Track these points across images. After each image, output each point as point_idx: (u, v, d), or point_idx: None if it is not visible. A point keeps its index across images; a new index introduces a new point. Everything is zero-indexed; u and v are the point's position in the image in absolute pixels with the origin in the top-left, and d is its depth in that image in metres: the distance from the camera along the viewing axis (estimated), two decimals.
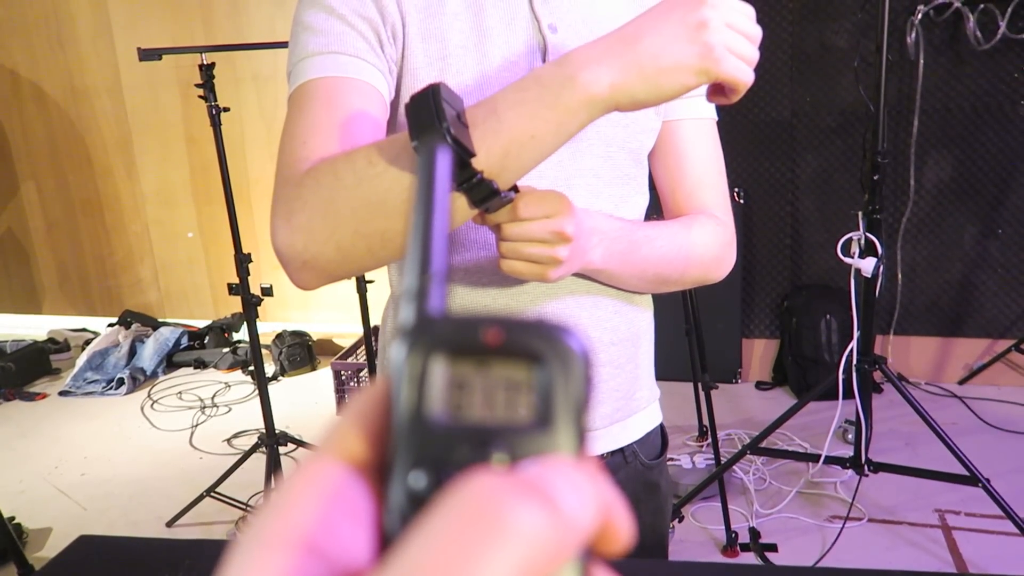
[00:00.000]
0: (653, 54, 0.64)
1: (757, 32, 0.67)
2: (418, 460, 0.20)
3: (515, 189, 0.71)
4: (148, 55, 2.19)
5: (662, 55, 0.64)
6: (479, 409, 0.21)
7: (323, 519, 0.19)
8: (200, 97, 2.24)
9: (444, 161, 0.22)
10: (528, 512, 0.17)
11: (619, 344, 0.93)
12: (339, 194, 0.67)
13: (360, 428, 0.21)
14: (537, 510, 0.18)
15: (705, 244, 0.89)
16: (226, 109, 2.27)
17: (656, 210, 0.96)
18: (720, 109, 0.94)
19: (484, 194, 0.66)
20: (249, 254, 2.38)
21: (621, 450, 0.97)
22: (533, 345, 0.20)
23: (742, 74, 0.65)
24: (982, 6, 2.83)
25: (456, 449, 0.20)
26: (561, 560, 0.18)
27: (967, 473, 2.04)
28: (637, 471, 0.99)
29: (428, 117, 0.57)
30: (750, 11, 0.67)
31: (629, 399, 0.96)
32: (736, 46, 0.65)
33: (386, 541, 0.20)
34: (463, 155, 0.62)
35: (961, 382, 3.21)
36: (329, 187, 0.68)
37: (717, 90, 0.69)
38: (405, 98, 0.79)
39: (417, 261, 0.21)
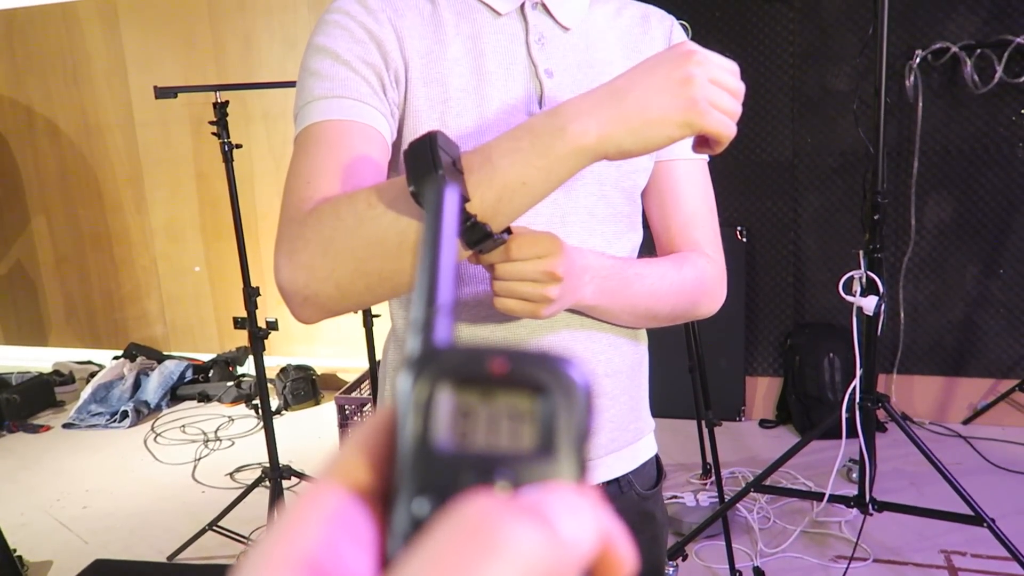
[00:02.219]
0: (640, 107, 0.67)
1: (740, 88, 0.70)
2: (422, 487, 0.21)
3: (508, 230, 0.74)
4: (164, 93, 2.24)
5: (648, 108, 0.67)
6: (483, 437, 0.21)
7: (327, 542, 0.20)
8: (214, 134, 2.29)
9: (452, 199, 0.23)
10: (525, 532, 0.18)
11: (613, 376, 0.95)
12: (339, 234, 0.70)
13: (364, 455, 0.22)
14: (534, 531, 0.18)
15: (696, 280, 0.92)
16: (239, 146, 2.32)
17: (650, 247, 0.99)
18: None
19: (478, 236, 0.69)
20: (257, 288, 2.40)
21: (616, 480, 0.98)
22: (537, 376, 0.21)
23: (724, 127, 0.69)
24: (979, 51, 2.89)
25: (460, 476, 0.21)
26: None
27: (972, 513, 2.03)
28: (633, 501, 1.00)
29: (425, 164, 0.61)
30: (734, 68, 0.71)
31: (624, 430, 0.97)
32: (719, 101, 0.68)
33: (388, 567, 0.20)
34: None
35: (965, 422, 3.20)
36: (330, 227, 0.71)
37: (701, 142, 0.72)
38: (407, 139, 0.83)
39: (424, 294, 0.22)
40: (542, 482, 0.21)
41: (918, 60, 2.95)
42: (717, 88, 0.68)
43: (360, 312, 2.93)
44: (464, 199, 0.65)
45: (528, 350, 0.21)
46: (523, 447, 0.21)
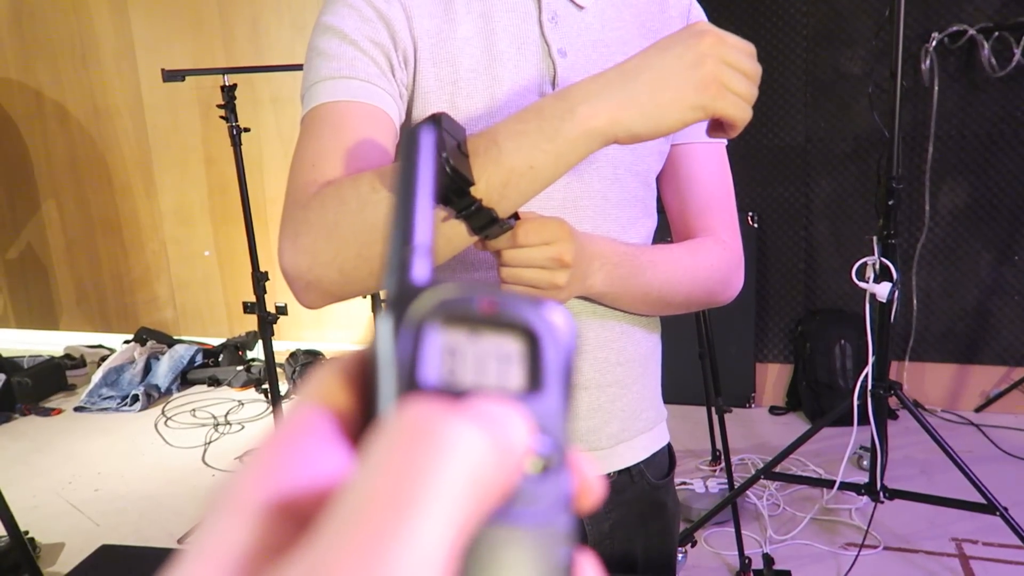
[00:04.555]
0: (652, 90, 0.65)
1: (756, 70, 0.68)
2: None
3: (515, 215, 0.72)
4: (172, 76, 2.23)
5: (660, 91, 0.65)
6: (471, 376, 0.21)
7: (303, 479, 0.19)
8: (221, 118, 2.28)
9: (428, 141, 0.23)
10: (471, 434, 0.18)
11: (626, 364, 0.93)
12: (343, 218, 0.69)
13: (346, 383, 0.21)
14: (480, 433, 0.18)
15: (711, 268, 0.90)
16: (247, 129, 2.31)
17: (665, 232, 0.97)
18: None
19: (483, 222, 0.67)
20: (266, 272, 2.40)
21: (628, 470, 0.97)
22: (525, 316, 0.21)
23: (739, 111, 0.67)
24: (997, 33, 2.84)
25: None
26: (505, 486, 0.18)
27: (984, 501, 2.01)
28: (644, 491, 0.99)
29: None
30: (750, 49, 0.68)
31: (636, 419, 0.96)
32: (734, 83, 0.66)
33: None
34: (462, 183, 0.63)
35: (977, 409, 3.17)
36: (334, 210, 0.69)
37: (716, 125, 0.70)
38: (415, 121, 0.81)
39: (400, 234, 0.21)
40: (532, 419, 0.20)
41: (934, 43, 2.91)
42: (732, 70, 0.66)
43: (368, 297, 2.93)
44: (469, 183, 0.64)
45: (513, 292, 0.21)
46: (511, 385, 0.21)
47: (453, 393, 0.20)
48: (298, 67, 2.36)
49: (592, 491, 0.21)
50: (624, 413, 0.95)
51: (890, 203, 2.06)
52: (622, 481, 0.97)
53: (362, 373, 0.21)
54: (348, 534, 0.16)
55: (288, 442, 0.20)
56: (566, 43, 0.85)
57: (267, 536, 0.18)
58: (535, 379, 0.21)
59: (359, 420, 0.21)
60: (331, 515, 0.17)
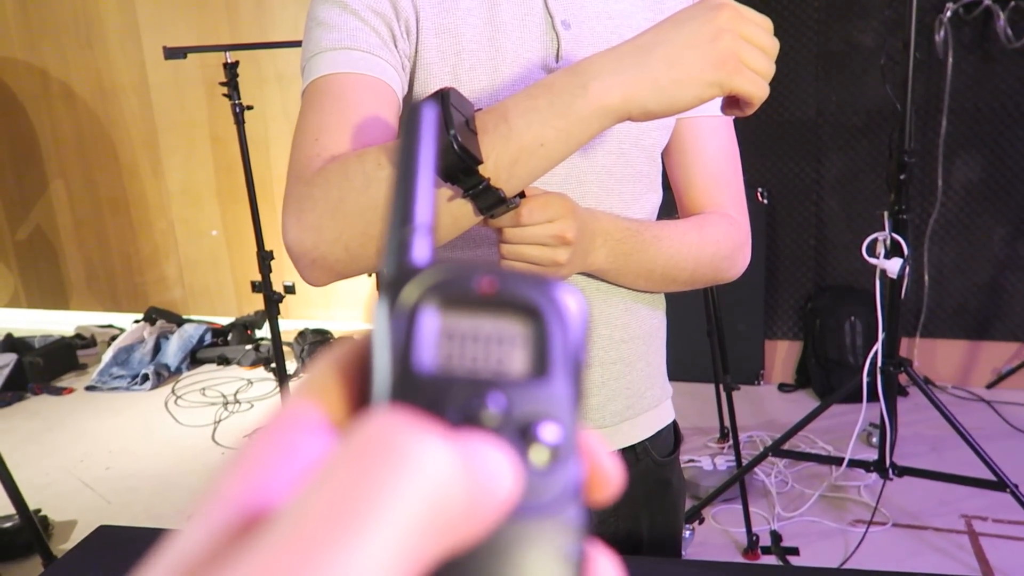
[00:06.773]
0: (667, 65, 0.63)
1: (774, 45, 0.66)
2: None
3: (521, 193, 0.71)
4: (173, 53, 2.21)
5: (676, 66, 0.63)
6: (471, 360, 0.20)
7: (285, 479, 0.18)
8: (224, 95, 2.26)
9: (430, 116, 0.22)
10: (438, 454, 0.16)
11: (630, 341, 0.92)
12: (348, 195, 0.67)
13: (340, 377, 0.20)
14: (449, 455, 0.16)
15: (717, 244, 0.88)
16: (249, 107, 2.29)
17: (671, 208, 0.96)
18: None
19: (490, 202, 0.66)
20: (272, 251, 2.39)
21: (633, 447, 0.96)
22: (529, 296, 0.20)
23: (756, 88, 0.65)
24: (1013, 4, 2.78)
25: (447, 400, 0.19)
26: (475, 526, 0.17)
27: (994, 478, 2.00)
28: (649, 468, 0.98)
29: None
30: (767, 23, 0.66)
31: (640, 397, 0.95)
32: (751, 59, 0.64)
33: None
34: (470, 162, 0.62)
35: (989, 386, 3.15)
36: (338, 187, 0.68)
37: (731, 102, 0.68)
38: (418, 93, 0.80)
39: (399, 213, 0.20)
40: (535, 407, 0.19)
41: (949, 13, 2.85)
42: (749, 45, 0.64)
43: (374, 275, 2.92)
44: (477, 161, 0.63)
45: (518, 270, 0.20)
46: (514, 371, 0.20)
47: (449, 380, 0.19)
48: (300, 43, 2.34)
49: (608, 481, 0.20)
50: (628, 391, 0.94)
51: (902, 178, 2.03)
52: (626, 459, 0.96)
53: (361, 361, 0.20)
54: (279, 546, 0.15)
55: (273, 440, 0.19)
56: (570, 15, 0.83)
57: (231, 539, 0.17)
58: (540, 363, 0.20)
59: (359, 412, 0.20)
60: (270, 525, 0.16)
